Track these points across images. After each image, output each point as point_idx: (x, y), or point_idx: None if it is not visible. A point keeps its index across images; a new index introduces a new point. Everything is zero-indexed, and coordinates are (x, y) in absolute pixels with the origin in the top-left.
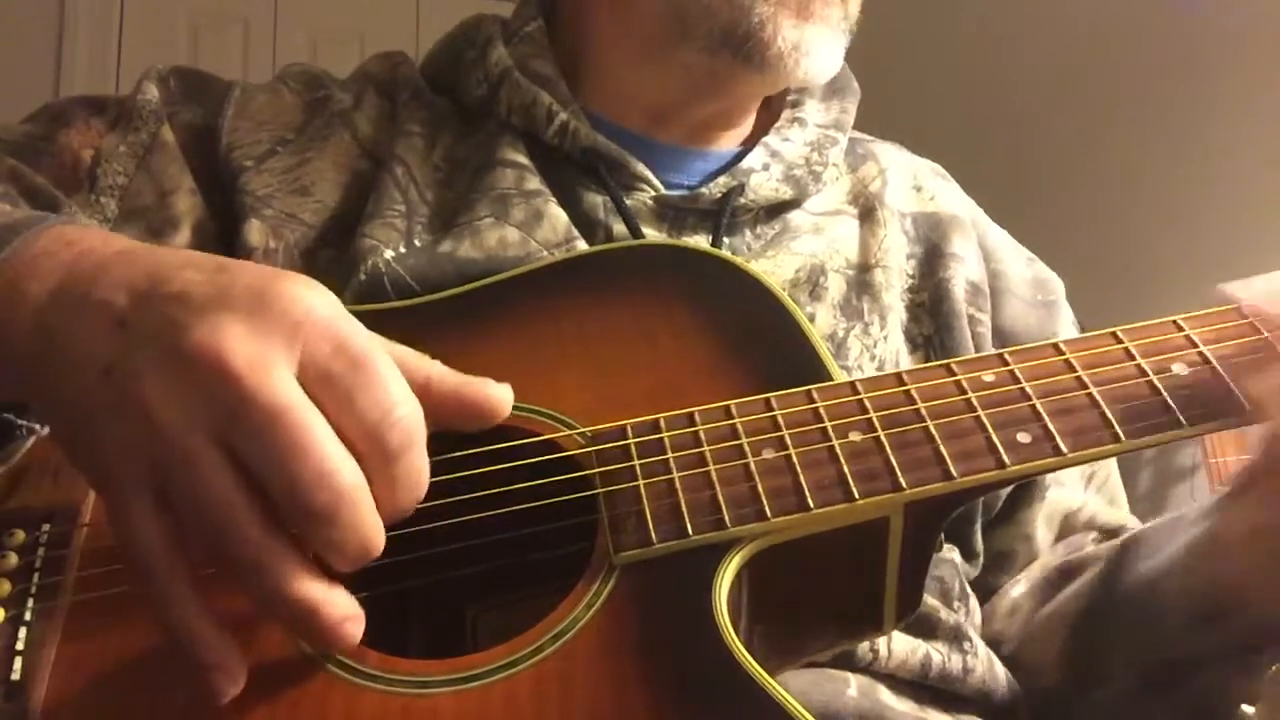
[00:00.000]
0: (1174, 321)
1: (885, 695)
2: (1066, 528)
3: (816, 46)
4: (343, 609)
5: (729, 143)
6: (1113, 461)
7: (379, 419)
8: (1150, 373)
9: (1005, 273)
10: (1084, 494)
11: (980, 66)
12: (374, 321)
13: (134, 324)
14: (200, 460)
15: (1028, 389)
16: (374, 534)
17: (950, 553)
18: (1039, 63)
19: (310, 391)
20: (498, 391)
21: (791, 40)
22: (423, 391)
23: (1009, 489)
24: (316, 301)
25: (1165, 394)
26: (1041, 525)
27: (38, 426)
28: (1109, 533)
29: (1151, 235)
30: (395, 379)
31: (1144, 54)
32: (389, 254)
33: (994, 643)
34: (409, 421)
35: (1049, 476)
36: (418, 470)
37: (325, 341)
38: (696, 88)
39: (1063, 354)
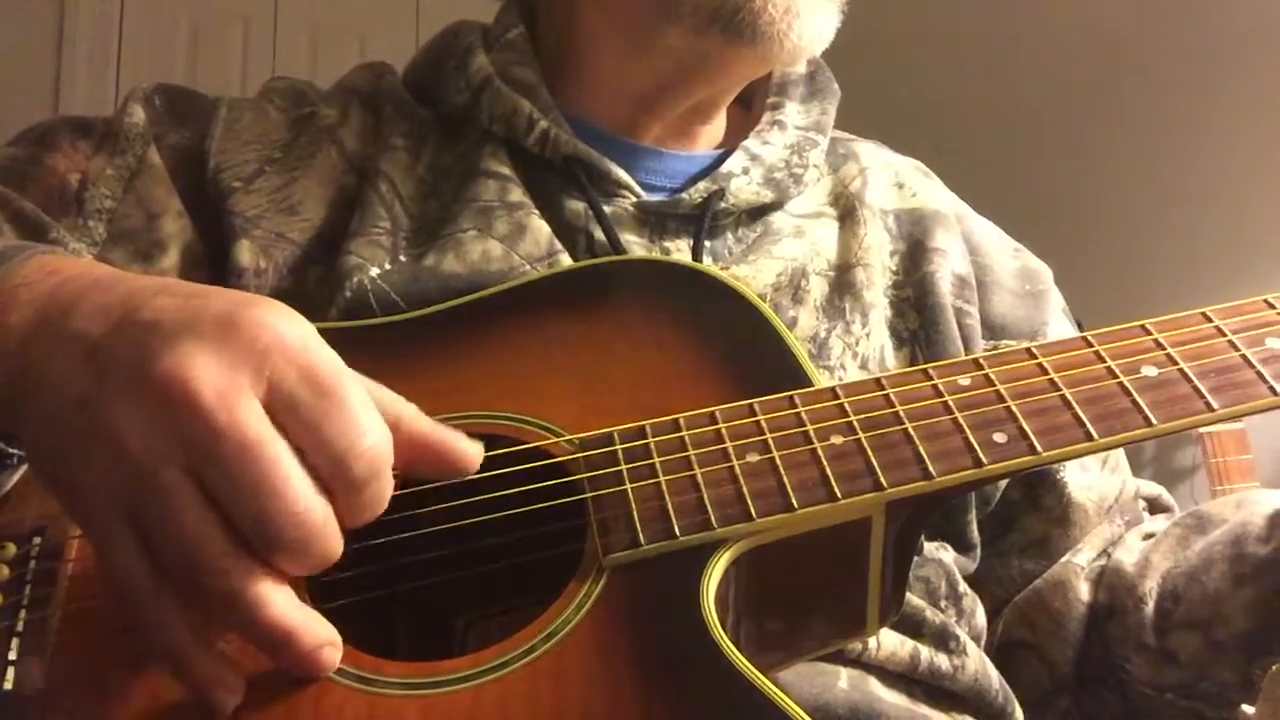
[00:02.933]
0: (1141, 325)
1: (876, 687)
2: (1118, 505)
3: (808, 9)
4: (318, 636)
5: (708, 142)
6: None
7: (345, 448)
8: (1121, 375)
9: (991, 265)
10: (1104, 474)
11: (970, 63)
12: (361, 338)
13: (105, 354)
14: (170, 491)
15: (1002, 391)
16: (336, 552)
17: (939, 552)
18: (1030, 59)
19: (277, 419)
20: (469, 446)
21: (783, 5)
22: (392, 430)
23: (1005, 482)
24: (286, 328)
25: (1135, 395)
26: (1077, 510)
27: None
28: (1150, 500)
29: (1147, 229)
30: (363, 407)
31: (1140, 50)
32: (374, 271)
33: (1105, 613)
34: (375, 451)
35: (1066, 462)
36: (382, 496)
37: (293, 368)
38: (685, 72)
39: (1036, 358)
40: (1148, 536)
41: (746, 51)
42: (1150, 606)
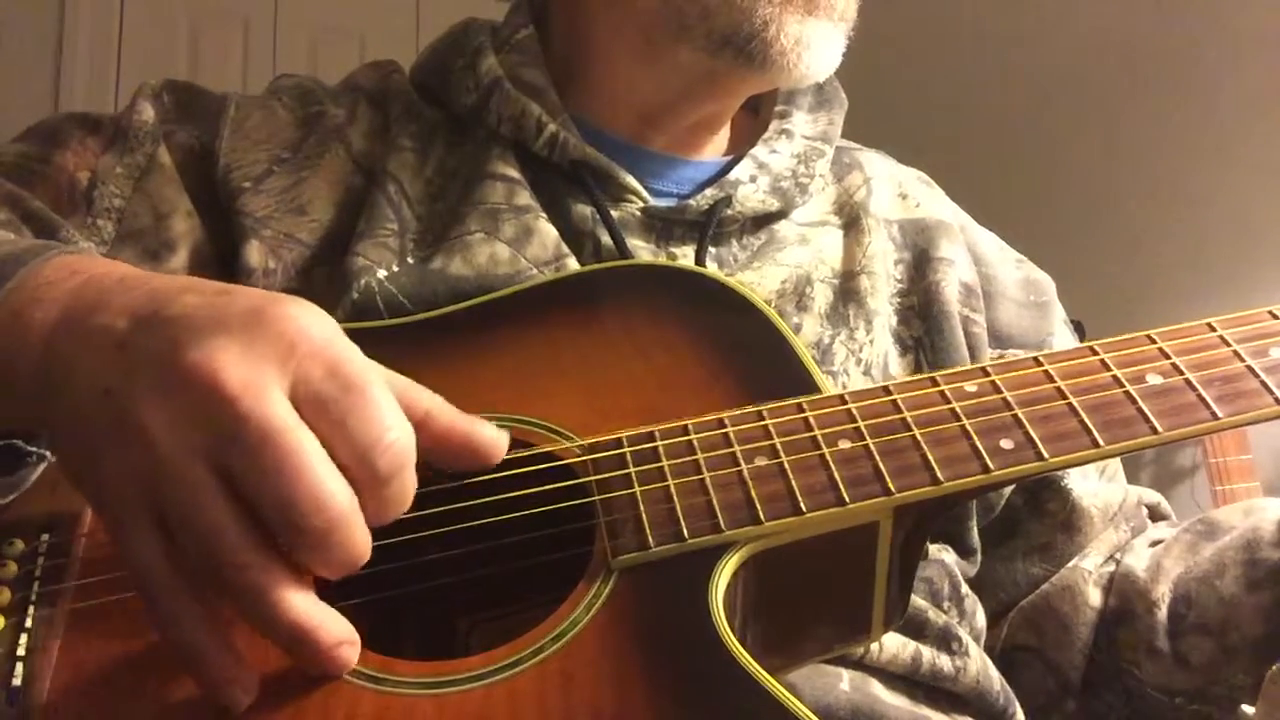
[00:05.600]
0: (1147, 335)
1: (878, 689)
2: (1122, 512)
3: (818, 40)
4: (337, 634)
5: (714, 149)
6: None
7: (370, 444)
8: (1126, 383)
9: (996, 276)
10: (1101, 483)
11: (973, 71)
12: (369, 340)
13: (133, 347)
14: (195, 484)
15: (1009, 398)
16: (363, 549)
17: (941, 553)
18: (1032, 66)
19: (302, 413)
20: (495, 434)
21: (794, 35)
22: (420, 425)
23: (1008, 491)
24: (312, 323)
25: (1140, 403)
26: (1082, 516)
27: (47, 453)
28: (1151, 507)
29: (1149, 237)
30: (388, 403)
31: (1141, 56)
32: (382, 273)
33: (1114, 616)
34: (400, 446)
35: (1066, 470)
36: (407, 492)
37: (319, 364)
38: (693, 88)
39: (1042, 365)
40: (1155, 543)
41: (754, 75)
42: (1163, 612)
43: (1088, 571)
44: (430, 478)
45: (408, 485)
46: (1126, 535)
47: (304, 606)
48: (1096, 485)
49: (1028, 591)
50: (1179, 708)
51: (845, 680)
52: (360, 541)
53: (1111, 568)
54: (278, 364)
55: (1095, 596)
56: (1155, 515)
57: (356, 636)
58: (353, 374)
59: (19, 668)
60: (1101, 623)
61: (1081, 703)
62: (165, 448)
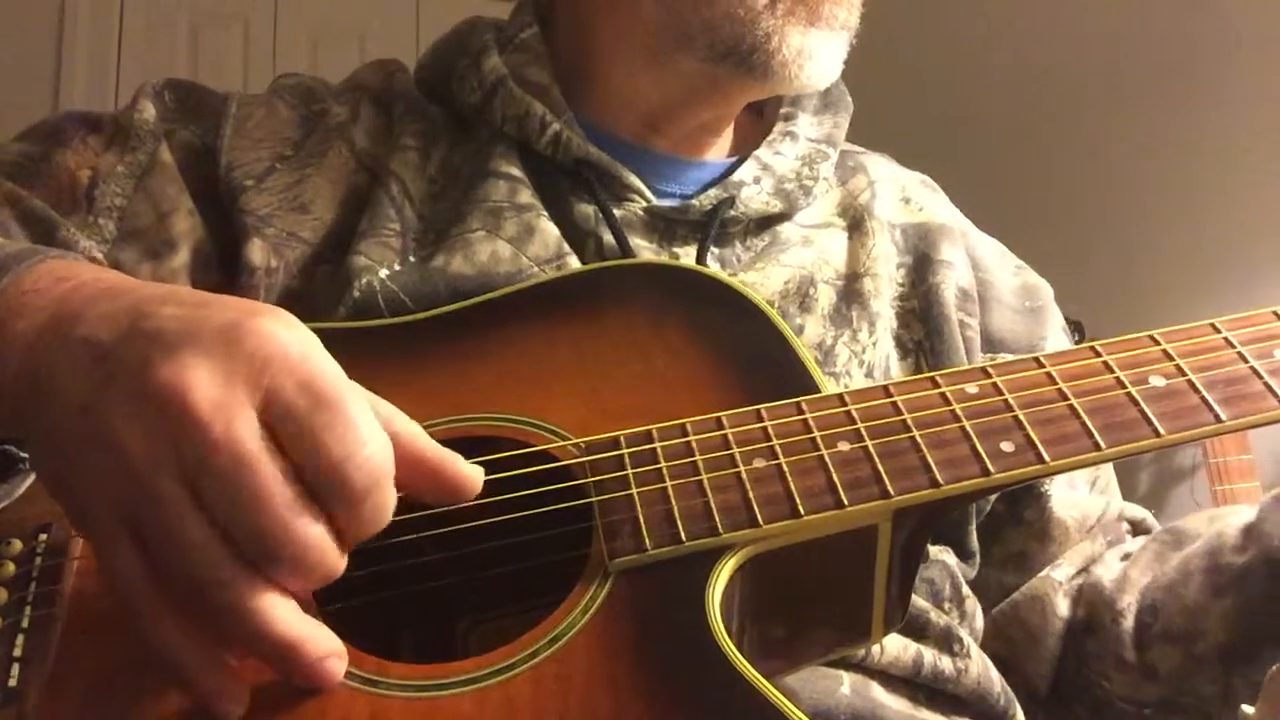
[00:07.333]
0: (1150, 336)
1: (879, 693)
2: (1100, 525)
3: (820, 51)
4: (323, 647)
5: (719, 150)
6: (1109, 464)
7: (343, 459)
8: (1129, 385)
9: (992, 282)
10: (1091, 493)
11: (976, 72)
12: (369, 338)
13: (110, 360)
14: (170, 501)
15: (1010, 400)
16: (336, 569)
17: (942, 554)
18: (1033, 66)
19: (275, 429)
20: (469, 470)
21: (796, 47)
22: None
23: (993, 495)
24: (289, 338)
25: (1143, 405)
26: (1057, 526)
27: None
28: (1134, 523)
29: (1149, 237)
30: (364, 418)
31: (1141, 57)
32: (383, 273)
33: (1086, 625)
34: (375, 462)
35: (1053, 478)
36: (384, 507)
37: (292, 379)
38: (695, 94)
39: (1044, 367)
40: (1127, 556)
41: (756, 85)
42: (1129, 621)
43: (1058, 582)
44: None
45: (385, 501)
46: (1102, 548)
47: (288, 621)
48: (1077, 496)
49: (998, 599)
50: (1148, 718)
51: (845, 684)
52: (333, 563)
53: (1082, 579)
54: (249, 382)
55: (1064, 607)
56: (1139, 531)
57: (343, 649)
58: (326, 389)
59: (15, 669)
60: (1070, 634)
61: (1050, 713)
62: (140, 465)
